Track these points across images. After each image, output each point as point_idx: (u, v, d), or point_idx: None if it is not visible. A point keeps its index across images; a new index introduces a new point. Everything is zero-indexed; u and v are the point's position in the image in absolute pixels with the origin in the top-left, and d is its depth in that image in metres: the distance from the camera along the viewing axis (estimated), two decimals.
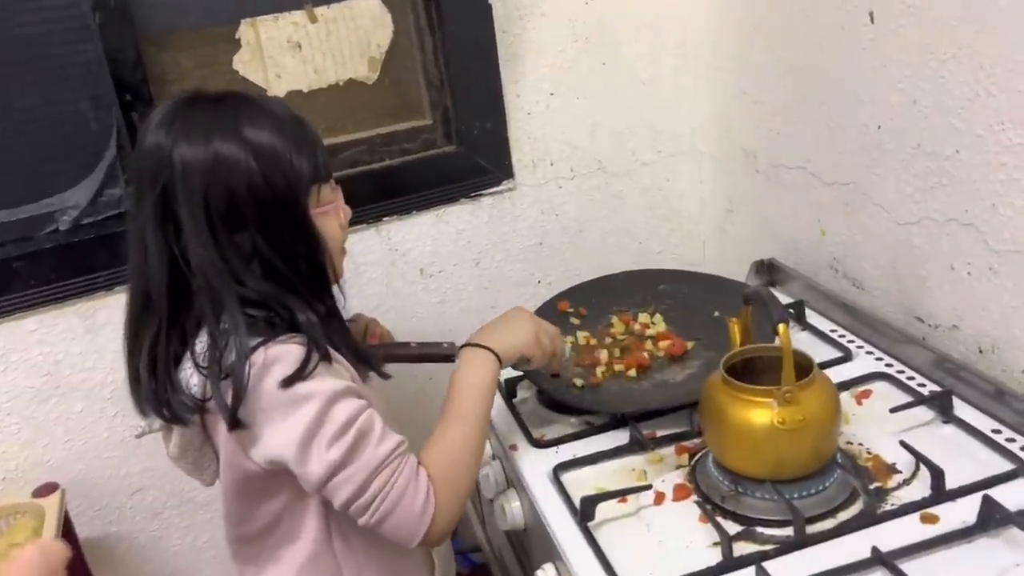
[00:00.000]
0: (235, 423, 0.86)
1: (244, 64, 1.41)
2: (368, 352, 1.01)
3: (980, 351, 1.12)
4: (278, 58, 1.42)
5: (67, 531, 1.33)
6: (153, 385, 0.90)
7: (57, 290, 1.34)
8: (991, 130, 1.01)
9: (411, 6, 1.47)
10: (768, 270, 1.50)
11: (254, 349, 0.85)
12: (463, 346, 1.05)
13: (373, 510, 0.87)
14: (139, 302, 0.91)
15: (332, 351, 0.91)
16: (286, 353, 0.85)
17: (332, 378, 0.88)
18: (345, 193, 1.01)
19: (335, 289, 0.98)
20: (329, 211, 0.95)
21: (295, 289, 0.90)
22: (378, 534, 0.90)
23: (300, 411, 0.84)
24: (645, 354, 1.24)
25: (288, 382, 0.84)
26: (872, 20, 1.16)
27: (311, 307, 0.90)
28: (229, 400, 0.84)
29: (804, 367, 0.94)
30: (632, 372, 1.21)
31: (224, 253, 0.86)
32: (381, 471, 0.87)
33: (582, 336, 1.30)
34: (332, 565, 0.97)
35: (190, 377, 0.88)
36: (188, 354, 0.89)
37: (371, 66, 1.47)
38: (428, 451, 0.94)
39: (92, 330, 1.38)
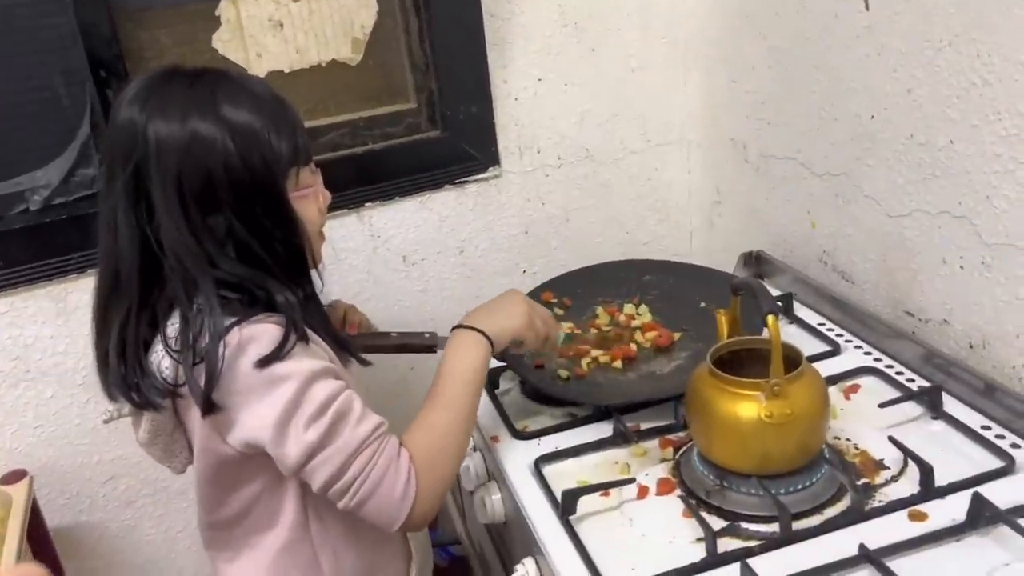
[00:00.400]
0: (209, 407, 0.83)
1: (224, 43, 1.37)
2: (347, 339, 0.98)
3: (971, 346, 1.10)
4: (259, 37, 1.38)
5: (35, 519, 1.29)
6: (122, 369, 0.87)
7: (28, 272, 1.30)
8: (986, 120, 0.99)
9: None
10: (756, 262, 1.48)
11: (228, 329, 0.82)
12: (455, 328, 1.02)
13: (352, 493, 0.85)
14: (109, 283, 0.88)
15: (310, 333, 0.89)
16: (262, 332, 0.83)
17: (310, 358, 0.85)
18: (326, 177, 0.98)
19: (314, 275, 0.95)
20: (308, 195, 0.92)
21: (272, 272, 0.87)
22: (358, 518, 0.88)
23: (277, 392, 0.82)
24: (633, 345, 1.22)
25: (264, 362, 0.82)
26: (867, 7, 1.13)
27: (289, 289, 0.88)
28: (203, 384, 0.82)
29: (793, 360, 0.92)
30: (618, 364, 1.19)
31: (198, 234, 0.84)
32: (360, 453, 0.84)
33: (566, 327, 1.27)
34: (309, 552, 0.95)
35: (161, 360, 0.86)
36: (159, 337, 0.86)
37: (355, 47, 1.44)
38: (411, 434, 0.92)
39: (64, 313, 1.35)
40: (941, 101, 1.05)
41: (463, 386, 0.96)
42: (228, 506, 0.93)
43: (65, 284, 1.33)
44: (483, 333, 1.00)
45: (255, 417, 0.83)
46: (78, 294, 1.34)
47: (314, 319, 0.92)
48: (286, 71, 1.41)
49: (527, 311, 1.05)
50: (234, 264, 0.85)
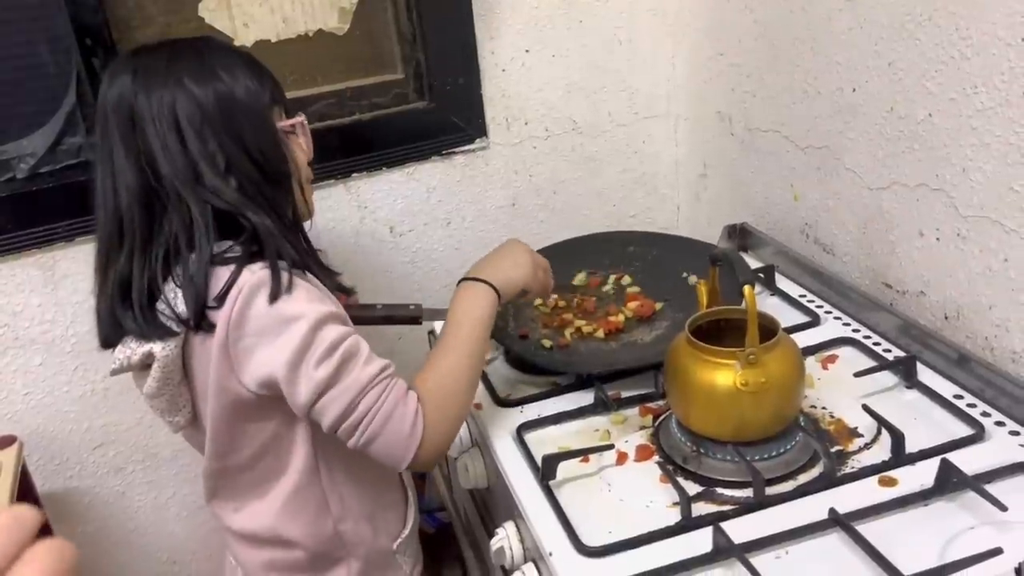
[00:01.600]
0: (198, 324, 0.86)
1: (210, 12, 1.37)
2: (334, 272, 1.01)
3: (946, 317, 1.12)
4: (245, 6, 1.38)
5: (25, 484, 1.31)
6: (129, 308, 0.89)
7: (15, 240, 1.31)
8: (964, 93, 1.00)
9: None
10: (740, 234, 1.49)
11: (238, 271, 0.86)
12: (461, 280, 1.04)
13: (362, 430, 0.87)
14: (110, 229, 0.90)
15: (311, 276, 0.93)
16: (267, 277, 0.86)
17: (321, 302, 0.89)
18: (313, 147, 1.01)
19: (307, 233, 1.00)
20: (292, 138, 0.97)
21: (262, 199, 0.91)
22: (365, 460, 0.91)
23: (289, 331, 0.85)
24: (621, 317, 1.23)
25: (274, 296, 0.85)
26: None
27: (270, 217, 0.91)
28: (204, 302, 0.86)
29: (769, 330, 0.94)
30: (600, 333, 1.20)
31: (195, 163, 0.88)
32: (368, 391, 0.87)
33: (552, 297, 1.29)
34: (319, 495, 0.98)
35: (175, 299, 0.88)
36: (170, 278, 0.88)
37: (341, 17, 1.43)
38: (420, 375, 0.95)
39: (52, 282, 1.35)
40: (921, 74, 1.06)
41: (470, 331, 0.98)
42: (239, 451, 0.95)
43: (53, 252, 1.34)
44: (490, 285, 1.01)
45: (269, 356, 0.86)
46: (66, 262, 1.35)
47: (308, 260, 0.95)
48: (273, 40, 1.41)
49: (531, 260, 1.07)
50: (227, 189, 0.89)
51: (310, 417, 0.89)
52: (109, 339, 0.92)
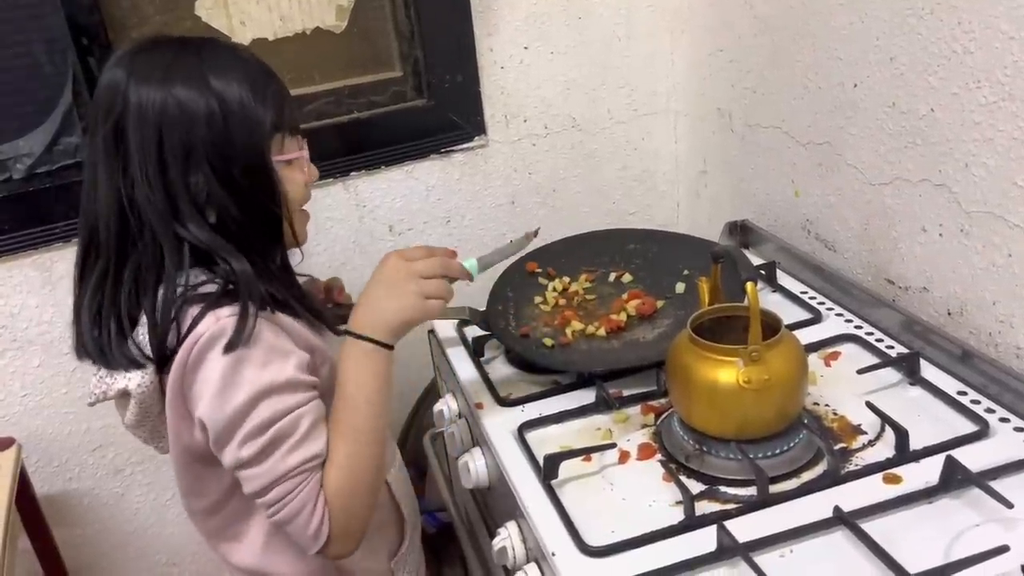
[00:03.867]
0: (161, 363, 0.84)
1: (207, 10, 1.36)
2: (321, 310, 0.97)
3: (949, 313, 1.11)
4: (243, 4, 1.37)
5: (23, 486, 1.31)
6: (95, 331, 0.86)
7: (12, 241, 1.30)
8: (966, 88, 0.99)
9: None
10: (741, 231, 1.48)
11: (201, 315, 0.82)
12: (346, 332, 0.91)
13: (272, 513, 0.85)
14: (86, 241, 0.88)
15: (282, 310, 0.89)
16: (231, 325, 0.82)
17: (277, 365, 0.84)
18: (311, 146, 0.96)
19: (298, 253, 0.95)
20: (293, 163, 0.91)
21: (246, 242, 0.87)
22: None
23: (229, 396, 0.82)
24: (623, 315, 1.22)
25: (229, 347, 0.82)
26: None
27: (258, 263, 0.87)
28: (172, 346, 0.83)
29: (772, 327, 0.93)
30: (602, 331, 1.20)
31: (174, 195, 0.83)
32: (282, 482, 0.84)
33: (551, 296, 1.28)
34: None
35: (142, 337, 0.86)
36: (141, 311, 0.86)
37: (339, 15, 1.43)
38: (327, 472, 0.87)
39: (50, 283, 1.35)
40: (923, 69, 1.05)
41: (368, 408, 0.89)
42: (205, 495, 0.93)
43: (50, 253, 1.33)
44: (377, 342, 0.90)
45: (210, 410, 0.83)
46: (64, 263, 1.34)
47: (287, 291, 0.91)
48: (270, 39, 1.40)
49: (413, 288, 0.92)
50: (203, 229, 0.85)
51: None
52: (78, 353, 0.90)
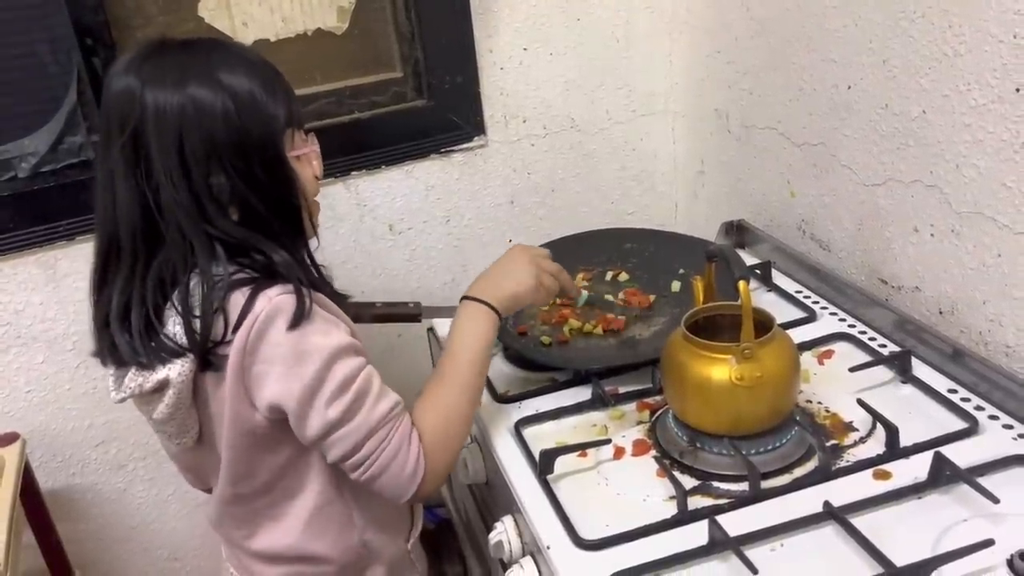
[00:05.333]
0: (206, 363, 0.85)
1: (210, 11, 1.38)
2: (346, 297, 1.00)
3: (940, 312, 1.12)
4: (245, 5, 1.39)
5: (28, 481, 1.32)
6: (127, 336, 0.87)
7: (16, 239, 1.32)
8: (957, 91, 1.01)
9: None
10: (737, 231, 1.50)
11: (252, 298, 0.84)
12: (464, 298, 1.03)
13: (365, 468, 0.88)
14: (106, 249, 0.89)
15: (324, 296, 0.91)
16: (287, 303, 0.85)
17: (336, 332, 0.87)
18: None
19: (314, 240, 0.97)
20: (303, 158, 0.94)
21: (270, 234, 0.89)
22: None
23: (303, 365, 0.84)
24: (622, 317, 1.23)
25: (294, 324, 0.84)
26: None
27: (288, 250, 0.89)
28: (220, 335, 0.84)
29: (764, 325, 0.95)
30: (599, 330, 1.21)
31: (198, 195, 0.85)
32: (375, 432, 0.87)
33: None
34: (342, 511, 0.97)
35: (176, 326, 0.86)
36: (171, 307, 0.86)
37: (340, 16, 1.44)
38: (423, 413, 0.94)
39: (53, 280, 1.36)
40: (915, 72, 1.07)
41: (471, 365, 0.98)
42: (255, 478, 0.94)
43: (54, 251, 1.35)
44: (491, 306, 1.01)
45: (280, 386, 0.85)
46: (67, 261, 1.36)
47: (315, 280, 0.93)
48: (272, 40, 1.42)
49: (534, 272, 1.05)
50: (232, 225, 0.87)
51: (316, 448, 0.90)
52: (103, 358, 0.91)
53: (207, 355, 0.85)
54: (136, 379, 0.87)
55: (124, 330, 0.87)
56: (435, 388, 0.96)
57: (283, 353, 0.84)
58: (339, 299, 0.96)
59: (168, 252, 0.86)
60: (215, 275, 0.85)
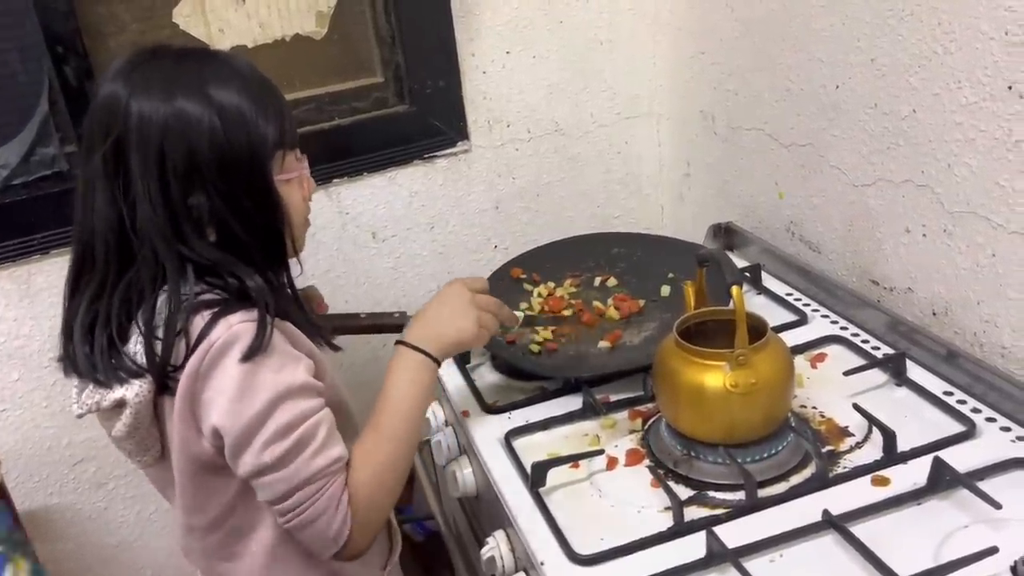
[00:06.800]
0: (163, 386, 0.82)
1: (185, 18, 1.35)
2: (321, 325, 0.97)
3: (934, 313, 1.11)
4: (221, 12, 1.36)
5: (4, 502, 1.28)
6: (86, 348, 0.85)
7: None
8: (947, 88, 1.00)
9: None
10: (725, 233, 1.48)
11: (212, 323, 0.81)
12: (399, 343, 0.98)
13: (289, 518, 0.84)
14: (80, 258, 0.86)
15: (291, 325, 0.88)
16: (245, 331, 0.81)
17: (292, 369, 0.84)
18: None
19: (293, 260, 0.94)
20: (293, 180, 0.90)
21: (247, 257, 0.86)
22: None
23: (247, 402, 0.81)
24: (595, 312, 1.22)
25: (248, 356, 0.80)
26: None
27: (263, 276, 0.86)
28: (180, 359, 0.81)
29: (758, 330, 0.93)
30: (589, 336, 1.19)
31: (175, 214, 0.82)
32: (306, 485, 0.83)
33: (537, 303, 1.27)
34: (303, 546, 0.92)
35: (137, 345, 0.84)
36: (135, 325, 0.84)
37: (319, 21, 1.42)
38: (355, 471, 0.88)
39: (28, 296, 1.33)
40: (904, 70, 1.05)
41: (407, 419, 0.92)
42: (206, 511, 0.91)
43: (28, 266, 1.31)
44: (428, 354, 0.95)
45: (224, 418, 0.81)
46: (42, 276, 1.32)
47: (289, 306, 0.90)
48: (249, 46, 1.39)
49: (472, 314, 0.99)
50: (207, 247, 0.84)
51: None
52: (65, 368, 0.88)
53: (165, 378, 0.82)
54: (94, 396, 0.85)
55: (86, 343, 0.85)
56: (370, 441, 0.90)
57: (231, 385, 0.80)
58: (313, 329, 0.93)
59: (139, 271, 0.83)
60: (183, 295, 0.82)
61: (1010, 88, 0.91)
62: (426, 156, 1.52)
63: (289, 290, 0.92)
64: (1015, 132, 0.92)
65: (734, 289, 0.89)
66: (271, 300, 0.85)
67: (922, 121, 1.05)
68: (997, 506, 0.81)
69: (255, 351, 0.81)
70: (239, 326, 0.81)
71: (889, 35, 1.06)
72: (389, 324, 1.17)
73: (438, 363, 0.96)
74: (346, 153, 1.46)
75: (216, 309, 0.82)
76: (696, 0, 1.46)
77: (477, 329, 0.99)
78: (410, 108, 1.49)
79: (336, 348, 0.98)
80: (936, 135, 1.03)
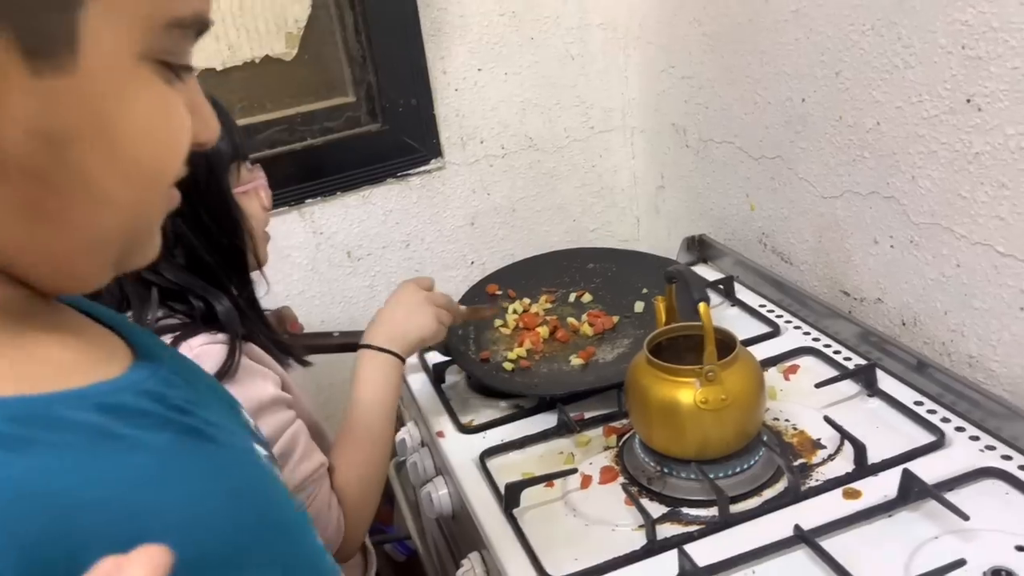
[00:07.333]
0: None
1: None
2: (288, 343, 0.97)
3: (903, 323, 1.12)
4: None
5: None
6: None
7: None
8: (909, 102, 1.01)
9: None
10: (699, 246, 1.49)
11: (174, 344, 0.80)
12: (362, 346, 1.00)
13: None
14: None
15: (255, 346, 0.88)
16: (208, 353, 0.81)
17: (262, 383, 0.84)
18: (265, 175, 0.97)
19: (259, 276, 0.95)
20: (249, 191, 0.91)
21: (213, 278, 0.86)
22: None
23: None
24: (569, 329, 1.22)
25: (220, 376, 0.80)
26: None
27: (229, 297, 0.86)
28: None
29: (727, 345, 0.93)
30: (562, 352, 1.19)
31: None
32: (297, 494, 0.84)
33: (512, 319, 1.27)
34: None
35: None
36: None
37: (289, 42, 1.41)
38: (340, 473, 0.91)
39: None
40: (867, 84, 1.06)
41: (382, 419, 0.96)
42: None
43: None
44: (394, 354, 1.00)
45: None
46: None
47: (255, 325, 0.90)
48: (219, 69, 1.38)
49: (431, 311, 1.04)
50: (176, 270, 0.84)
51: None
52: None
53: None
54: None
55: None
56: (348, 445, 0.94)
57: None
58: (279, 348, 0.93)
59: (101, 300, 0.82)
60: (147, 322, 0.82)
61: (968, 101, 0.92)
62: (400, 174, 1.52)
63: (254, 310, 0.92)
64: (975, 144, 0.93)
65: (701, 306, 0.90)
66: (239, 326, 0.85)
67: (886, 134, 1.06)
68: (965, 517, 0.81)
69: (222, 376, 0.80)
70: (201, 349, 0.81)
71: (852, 49, 1.07)
72: None
73: (404, 361, 1.01)
74: (319, 173, 1.45)
75: (177, 333, 0.82)
76: (665, 14, 1.47)
77: (437, 325, 1.04)
78: (383, 127, 1.49)
79: (305, 363, 0.99)
80: (900, 148, 1.04)
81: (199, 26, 0.43)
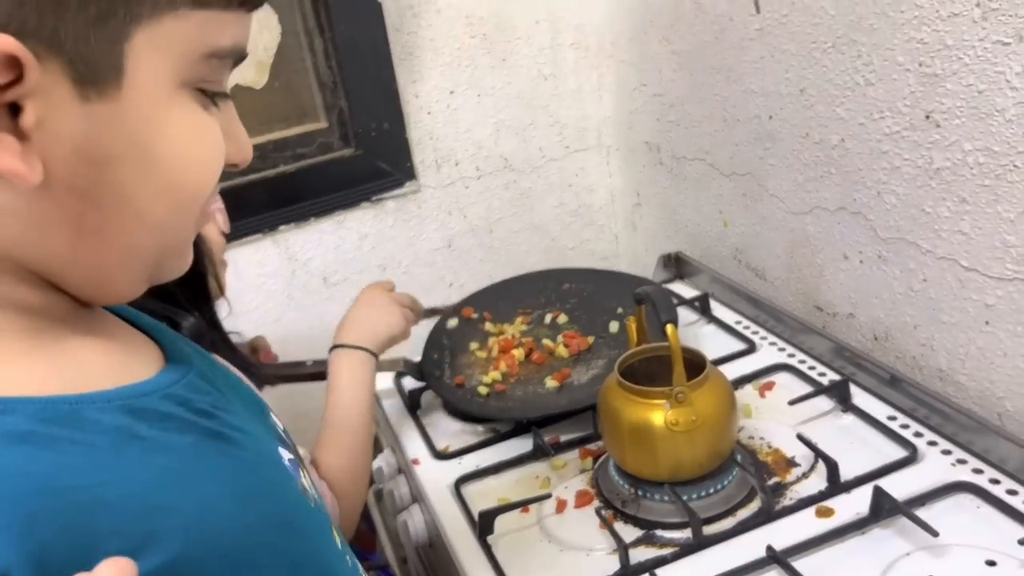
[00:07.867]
0: None
1: None
2: (252, 363, 0.97)
3: (875, 338, 1.12)
4: None
5: None
6: None
7: None
8: (871, 119, 1.01)
9: (298, 6, 1.42)
10: (675, 263, 1.49)
11: None
12: (338, 346, 1.04)
13: None
14: None
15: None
16: None
17: None
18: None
19: (223, 303, 0.96)
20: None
21: (176, 300, 0.86)
22: None
23: None
24: (545, 351, 1.22)
25: None
26: (757, 10, 1.15)
27: (193, 316, 0.87)
28: None
29: (697, 365, 0.93)
30: (537, 375, 1.19)
31: None
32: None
33: (491, 342, 1.27)
34: None
35: None
36: None
37: (259, 71, 1.42)
38: (326, 461, 0.94)
39: None
40: (831, 101, 1.07)
41: (362, 412, 1.00)
42: None
43: None
44: (368, 351, 1.04)
45: None
46: None
47: (218, 346, 0.91)
48: None
49: (398, 309, 1.10)
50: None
51: None
52: None
53: None
54: None
55: None
56: (333, 432, 0.97)
57: None
58: (243, 369, 0.93)
59: None
60: None
61: (927, 117, 0.93)
62: (374, 198, 1.52)
63: (216, 331, 0.94)
64: (935, 160, 0.94)
65: (668, 328, 0.90)
66: (207, 343, 0.85)
67: (851, 150, 1.06)
68: (934, 534, 0.81)
69: None
70: None
71: (815, 66, 1.08)
72: None
73: (376, 357, 1.05)
74: (293, 199, 1.45)
75: None
76: (635, 33, 1.48)
77: (405, 322, 1.10)
78: (356, 151, 1.49)
79: (272, 383, 1.04)
80: (865, 164, 1.05)
81: (237, 55, 0.45)
